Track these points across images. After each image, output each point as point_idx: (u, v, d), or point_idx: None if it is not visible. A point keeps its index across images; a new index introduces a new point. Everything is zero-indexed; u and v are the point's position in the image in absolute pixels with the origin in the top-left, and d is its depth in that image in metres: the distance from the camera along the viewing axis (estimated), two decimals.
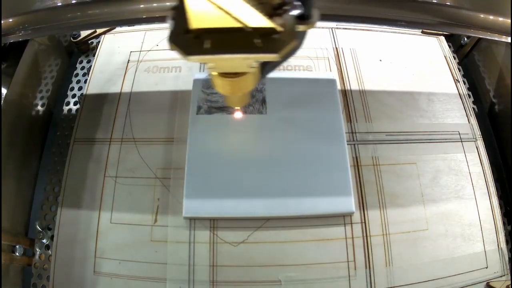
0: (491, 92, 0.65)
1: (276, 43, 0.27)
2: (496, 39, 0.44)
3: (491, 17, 0.42)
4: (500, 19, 0.42)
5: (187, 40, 0.27)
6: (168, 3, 0.44)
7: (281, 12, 0.27)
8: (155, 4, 0.44)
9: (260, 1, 0.26)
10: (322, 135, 0.54)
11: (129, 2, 0.44)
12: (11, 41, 0.46)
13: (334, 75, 0.61)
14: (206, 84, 0.59)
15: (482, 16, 0.42)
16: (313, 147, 0.53)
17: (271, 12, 0.27)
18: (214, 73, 0.33)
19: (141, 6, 0.44)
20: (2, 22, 0.44)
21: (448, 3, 0.43)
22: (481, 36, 0.45)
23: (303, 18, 0.29)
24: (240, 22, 0.26)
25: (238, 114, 0.56)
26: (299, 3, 0.28)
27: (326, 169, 0.52)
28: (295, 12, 0.28)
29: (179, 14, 0.28)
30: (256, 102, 0.57)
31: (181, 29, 0.28)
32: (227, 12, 0.26)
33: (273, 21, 0.27)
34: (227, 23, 0.26)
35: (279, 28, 0.27)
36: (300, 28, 0.29)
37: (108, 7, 0.44)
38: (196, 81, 0.59)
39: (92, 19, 0.45)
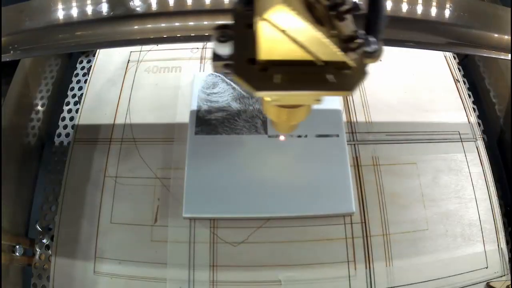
0: (491, 92, 0.65)
1: (348, 79, 0.25)
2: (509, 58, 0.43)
3: (506, 37, 0.42)
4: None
5: (254, 72, 0.25)
6: (175, 24, 0.43)
7: (354, 46, 0.25)
8: (149, 26, 0.44)
9: (330, 34, 0.24)
10: (322, 135, 0.54)
11: (122, 23, 0.43)
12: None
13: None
14: (206, 85, 0.59)
15: (496, 36, 0.42)
16: (313, 147, 0.53)
17: (341, 45, 0.25)
18: (268, 99, 0.30)
19: (135, 27, 0.44)
20: None
21: (458, 23, 0.43)
22: (494, 56, 0.44)
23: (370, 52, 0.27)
24: (313, 55, 0.25)
25: (282, 137, 0.55)
26: (373, 38, 0.26)
27: (326, 169, 0.52)
28: (371, 47, 0.26)
29: (238, 39, 0.26)
30: (256, 102, 0.57)
31: (242, 58, 0.26)
32: (301, 45, 0.24)
33: (347, 56, 0.25)
34: (299, 55, 0.25)
35: (351, 63, 0.25)
36: (366, 61, 0.27)
37: (101, 28, 0.44)
38: (195, 90, 0.59)
39: (83, 40, 0.44)
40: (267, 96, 0.27)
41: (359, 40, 0.25)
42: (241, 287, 0.48)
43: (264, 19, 0.23)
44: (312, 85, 0.25)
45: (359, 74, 0.26)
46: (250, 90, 0.25)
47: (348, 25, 0.26)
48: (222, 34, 0.27)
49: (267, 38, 0.24)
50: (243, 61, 0.26)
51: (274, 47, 0.24)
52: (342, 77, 0.25)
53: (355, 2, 0.26)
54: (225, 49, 0.27)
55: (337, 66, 0.25)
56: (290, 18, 0.23)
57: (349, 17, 0.26)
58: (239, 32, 0.27)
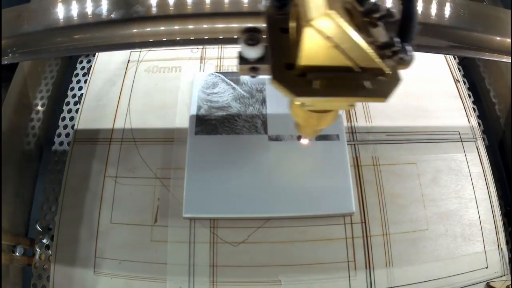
0: (491, 92, 0.65)
1: (384, 86, 0.25)
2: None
3: (507, 40, 0.41)
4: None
5: (292, 78, 0.25)
6: (174, 27, 0.43)
7: (390, 54, 0.25)
8: (148, 29, 0.43)
9: (368, 41, 0.24)
10: (322, 136, 0.54)
11: (122, 26, 0.43)
12: None
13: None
14: (206, 85, 0.59)
15: (498, 39, 0.42)
16: (313, 148, 0.53)
17: (378, 52, 0.25)
18: (298, 103, 0.30)
19: (134, 30, 0.43)
20: None
21: (459, 26, 0.42)
22: (496, 59, 0.44)
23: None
24: (352, 61, 0.25)
25: (304, 141, 0.53)
26: (409, 46, 0.26)
27: (326, 169, 0.52)
28: (408, 55, 0.26)
29: (273, 44, 0.26)
30: (256, 102, 0.57)
31: (279, 63, 0.25)
32: (342, 51, 0.24)
33: (385, 62, 0.25)
34: (338, 61, 0.25)
35: (387, 70, 0.25)
36: (398, 68, 0.27)
37: (100, 31, 0.43)
38: (195, 87, 0.59)
39: (82, 43, 0.44)
40: (304, 101, 0.27)
41: (395, 48, 0.25)
42: (241, 287, 0.48)
43: (311, 26, 0.23)
44: (350, 91, 0.25)
45: (393, 80, 0.26)
46: (289, 96, 0.25)
47: (380, 32, 0.26)
48: (251, 37, 0.27)
49: (309, 44, 0.24)
50: (280, 66, 0.25)
51: (315, 53, 0.24)
52: (377, 83, 0.25)
53: (388, 9, 0.26)
54: (252, 52, 0.27)
55: (373, 73, 0.25)
56: (336, 25, 0.23)
57: (380, 24, 0.26)
58: (273, 36, 0.27)
